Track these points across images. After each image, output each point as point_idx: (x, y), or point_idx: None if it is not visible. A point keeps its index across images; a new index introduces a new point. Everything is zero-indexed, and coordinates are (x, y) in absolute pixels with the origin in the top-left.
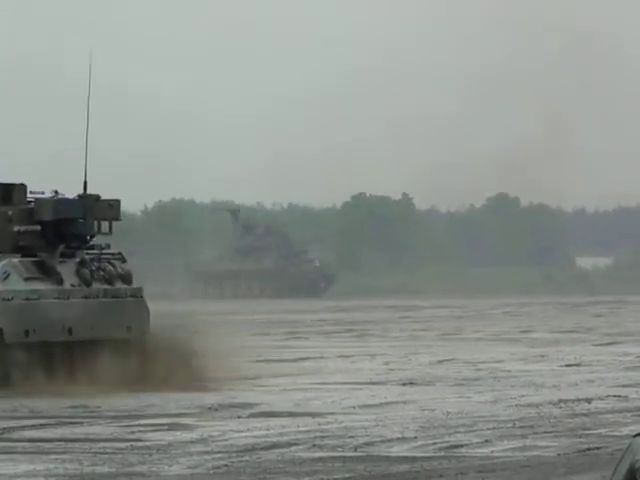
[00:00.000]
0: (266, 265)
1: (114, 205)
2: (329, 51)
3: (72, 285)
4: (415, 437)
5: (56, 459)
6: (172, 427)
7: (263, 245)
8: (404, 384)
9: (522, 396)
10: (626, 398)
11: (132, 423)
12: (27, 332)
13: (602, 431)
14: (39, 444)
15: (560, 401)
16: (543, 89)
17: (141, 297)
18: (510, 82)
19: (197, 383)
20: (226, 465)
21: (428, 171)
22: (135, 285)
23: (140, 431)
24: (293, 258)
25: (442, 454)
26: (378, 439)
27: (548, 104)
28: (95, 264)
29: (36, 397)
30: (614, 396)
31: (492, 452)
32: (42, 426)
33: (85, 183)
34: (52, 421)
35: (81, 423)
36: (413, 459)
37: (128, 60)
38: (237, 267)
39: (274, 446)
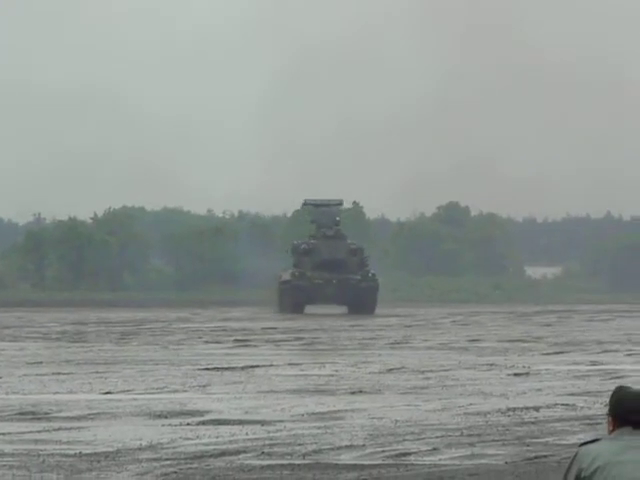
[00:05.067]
0: None
1: None
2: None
3: None
4: (364, 445)
5: (4, 465)
6: (120, 433)
7: None
8: (353, 392)
9: (470, 404)
10: (574, 407)
11: (81, 425)
12: None
13: (550, 439)
14: None
15: (508, 409)
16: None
17: None
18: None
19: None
20: (175, 472)
21: (380, 179)
22: None
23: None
24: None
25: (390, 462)
26: (327, 447)
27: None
28: None
29: None
30: (562, 405)
31: (440, 460)
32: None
33: None
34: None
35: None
36: (362, 467)
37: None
38: None
39: (223, 453)
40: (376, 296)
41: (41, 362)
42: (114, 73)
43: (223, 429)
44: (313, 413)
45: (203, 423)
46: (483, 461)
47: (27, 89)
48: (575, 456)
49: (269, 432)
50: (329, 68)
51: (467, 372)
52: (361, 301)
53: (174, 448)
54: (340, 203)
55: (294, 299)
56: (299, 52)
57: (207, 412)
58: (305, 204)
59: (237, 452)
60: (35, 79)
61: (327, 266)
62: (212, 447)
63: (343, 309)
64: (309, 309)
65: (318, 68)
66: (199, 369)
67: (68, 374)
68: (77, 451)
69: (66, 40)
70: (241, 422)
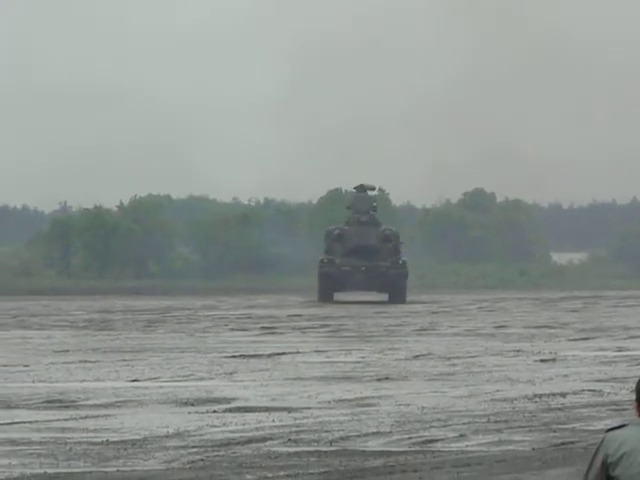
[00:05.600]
0: None
1: None
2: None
3: None
4: (390, 432)
5: (32, 454)
6: (147, 421)
7: None
8: (379, 379)
9: (497, 391)
10: (600, 393)
11: (108, 413)
12: None
13: (576, 425)
14: (14, 437)
15: (535, 396)
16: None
17: None
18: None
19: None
20: (202, 460)
21: (406, 166)
22: None
23: (114, 424)
24: None
25: (417, 449)
26: (353, 434)
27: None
28: None
29: None
30: (589, 391)
31: (467, 447)
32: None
33: None
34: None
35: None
36: (388, 454)
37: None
38: None
39: (250, 441)
40: (405, 284)
41: (68, 350)
42: (135, 65)
43: (250, 416)
44: (340, 400)
45: (230, 410)
46: (510, 447)
47: (53, 83)
48: (602, 442)
49: (296, 419)
50: (351, 54)
51: (493, 358)
52: (390, 289)
53: (201, 435)
54: (373, 188)
55: (321, 286)
56: (318, 39)
57: (234, 399)
58: (353, 188)
59: (264, 439)
60: (59, 73)
61: (357, 252)
62: (239, 434)
63: (374, 296)
64: (338, 296)
65: (339, 54)
66: (225, 356)
67: (95, 362)
68: (104, 439)
69: (82, 34)
70: (267, 409)
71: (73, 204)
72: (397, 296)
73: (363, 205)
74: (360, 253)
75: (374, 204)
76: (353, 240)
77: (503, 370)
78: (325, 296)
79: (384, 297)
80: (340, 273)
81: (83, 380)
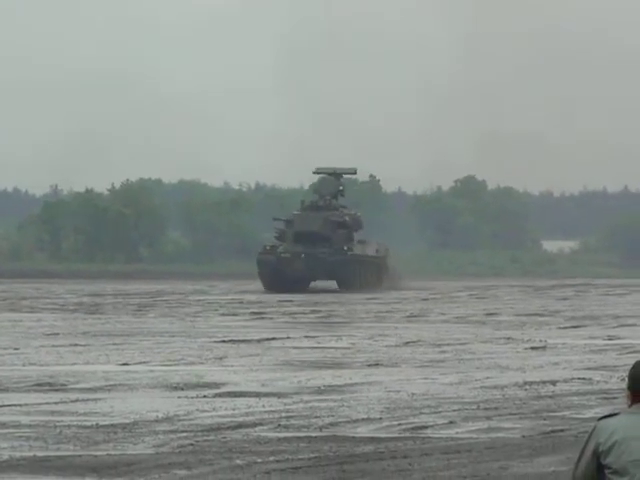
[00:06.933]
0: None
1: None
2: None
3: None
4: (380, 418)
5: (21, 437)
6: (137, 405)
7: None
8: (370, 365)
9: (487, 378)
10: (591, 381)
11: (98, 397)
12: None
13: (566, 413)
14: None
15: (525, 383)
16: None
17: None
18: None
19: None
20: (191, 444)
21: (398, 152)
22: None
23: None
24: None
25: (407, 435)
26: (343, 420)
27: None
28: None
29: None
30: (579, 379)
31: (457, 433)
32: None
33: None
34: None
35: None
36: (378, 440)
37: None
38: None
39: (240, 426)
40: (350, 271)
41: (58, 333)
42: (130, 52)
43: (239, 401)
44: (330, 386)
45: (219, 395)
46: (500, 434)
47: (47, 68)
48: (593, 430)
49: (285, 404)
50: (349, 40)
51: (484, 346)
52: (334, 277)
53: (190, 420)
54: (353, 172)
55: (260, 274)
56: (316, 24)
57: (223, 384)
58: (316, 172)
59: (254, 424)
60: (54, 58)
61: (301, 239)
62: (228, 419)
63: (323, 283)
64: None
65: (337, 40)
66: (215, 341)
67: (85, 345)
68: (94, 423)
69: (83, 22)
70: (257, 394)
71: (64, 187)
72: (344, 284)
73: (326, 189)
74: (304, 240)
75: (340, 188)
76: (299, 226)
77: (493, 357)
78: (268, 285)
79: (333, 284)
80: (278, 260)
81: (73, 363)
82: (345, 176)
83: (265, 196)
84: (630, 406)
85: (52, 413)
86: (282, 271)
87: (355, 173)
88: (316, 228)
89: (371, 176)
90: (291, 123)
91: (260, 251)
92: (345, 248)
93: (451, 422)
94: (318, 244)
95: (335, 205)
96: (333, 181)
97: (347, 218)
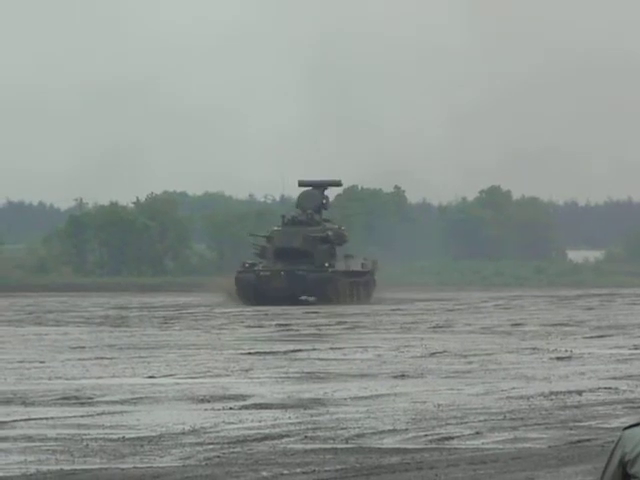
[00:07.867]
0: None
1: None
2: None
3: None
4: (406, 429)
5: (47, 450)
6: (163, 418)
7: None
8: (395, 376)
9: (513, 388)
10: (617, 390)
11: (124, 409)
12: None
13: (593, 423)
14: (30, 433)
15: (551, 393)
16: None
17: None
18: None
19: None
20: (218, 456)
21: (422, 164)
22: None
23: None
24: None
25: (433, 446)
26: (369, 431)
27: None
28: None
29: None
30: (605, 388)
31: (483, 444)
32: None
33: None
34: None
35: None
36: (404, 451)
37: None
38: None
39: (266, 438)
40: (329, 288)
41: (84, 347)
42: (154, 66)
43: (266, 413)
44: (356, 397)
45: (246, 407)
46: (526, 445)
47: (70, 81)
48: (619, 440)
49: (312, 416)
50: (374, 51)
51: (510, 356)
52: (314, 294)
53: (217, 432)
54: (337, 184)
55: (238, 293)
56: (341, 36)
57: (250, 396)
58: (300, 185)
59: (280, 436)
60: (76, 72)
61: (281, 256)
62: (255, 431)
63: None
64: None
65: (361, 52)
66: (241, 353)
67: (111, 359)
68: (120, 435)
69: (107, 38)
70: (284, 406)
71: (89, 201)
72: (324, 300)
73: (308, 202)
74: (284, 256)
75: (324, 201)
76: (279, 242)
77: (519, 368)
78: (247, 303)
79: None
80: (258, 279)
81: (99, 377)
82: (330, 188)
83: (291, 208)
84: None
85: (78, 426)
86: (261, 289)
87: (340, 185)
88: (297, 244)
89: (396, 187)
90: (316, 134)
91: (239, 269)
92: (326, 265)
93: (477, 433)
94: (299, 261)
95: (317, 220)
96: (316, 194)
97: (329, 233)
